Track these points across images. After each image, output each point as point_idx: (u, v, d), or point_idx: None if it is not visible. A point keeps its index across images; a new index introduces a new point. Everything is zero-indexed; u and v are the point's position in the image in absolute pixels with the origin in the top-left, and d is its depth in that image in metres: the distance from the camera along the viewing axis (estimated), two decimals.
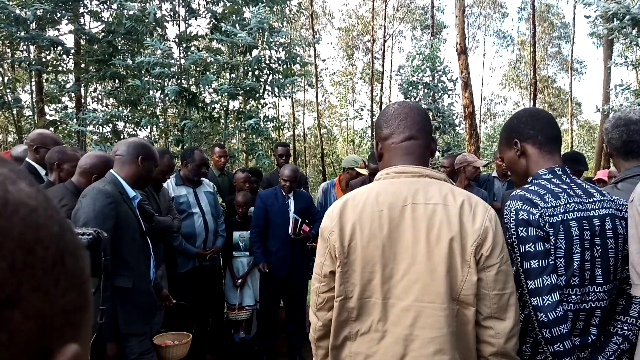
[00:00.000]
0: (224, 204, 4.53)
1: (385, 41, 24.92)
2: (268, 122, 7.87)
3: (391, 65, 25.95)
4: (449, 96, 12.35)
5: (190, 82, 7.64)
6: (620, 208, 1.61)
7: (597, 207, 1.57)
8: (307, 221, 4.22)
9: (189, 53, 7.27)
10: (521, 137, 1.68)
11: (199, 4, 8.07)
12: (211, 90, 7.86)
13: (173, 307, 2.88)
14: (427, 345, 1.29)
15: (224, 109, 7.93)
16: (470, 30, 28.29)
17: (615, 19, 5.85)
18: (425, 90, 12.21)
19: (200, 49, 8.15)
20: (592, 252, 1.53)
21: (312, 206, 4.42)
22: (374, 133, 1.63)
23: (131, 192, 2.49)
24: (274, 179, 5.20)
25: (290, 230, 4.10)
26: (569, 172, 1.65)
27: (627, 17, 5.54)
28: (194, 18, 7.85)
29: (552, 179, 1.60)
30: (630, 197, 1.31)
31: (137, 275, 2.42)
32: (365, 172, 4.74)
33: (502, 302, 1.31)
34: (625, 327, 1.58)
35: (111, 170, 2.50)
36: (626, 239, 1.56)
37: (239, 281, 4.29)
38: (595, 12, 6.79)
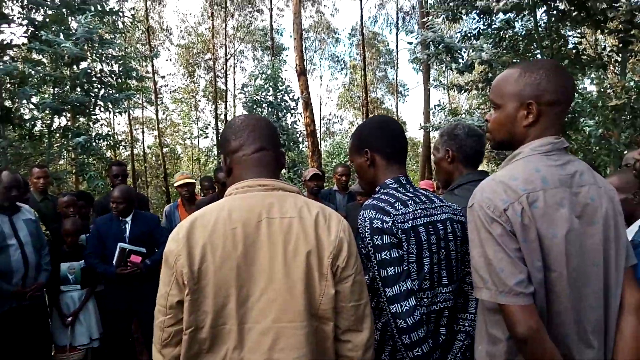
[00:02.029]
0: (47, 232, 3.99)
1: (227, 60, 24.93)
2: (101, 140, 7.24)
3: (234, 84, 25.96)
4: (292, 115, 12.78)
5: (5, 96, 6.68)
6: (456, 212, 1.73)
7: (439, 212, 1.66)
8: (143, 250, 3.81)
9: (3, 63, 6.37)
10: (370, 147, 1.72)
11: (13, 9, 7.14)
12: (31, 105, 6.97)
13: None
14: None
15: (47, 126, 7.09)
16: (308, 53, 29.76)
17: (432, 46, 6.69)
18: (270, 109, 12.46)
19: (17, 59, 7.20)
20: (438, 255, 1.61)
21: (157, 228, 4.03)
22: (220, 147, 1.51)
23: None
24: (108, 203, 4.76)
25: (114, 262, 3.72)
26: (411, 181, 1.74)
27: (442, 44, 6.39)
28: (7, 25, 6.91)
29: (399, 188, 1.67)
30: (469, 202, 1.39)
31: None
32: (184, 180, 4.94)
33: (358, 313, 1.30)
34: (467, 324, 1.69)
35: None
36: (464, 240, 1.68)
37: (69, 319, 3.80)
38: (416, 39, 7.71)
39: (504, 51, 6.92)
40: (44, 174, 4.65)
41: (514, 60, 6.91)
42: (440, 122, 7.97)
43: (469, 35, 7.08)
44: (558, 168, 1.36)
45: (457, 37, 7.27)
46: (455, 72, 7.35)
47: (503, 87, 1.45)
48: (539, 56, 6.81)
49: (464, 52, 7.24)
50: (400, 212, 1.56)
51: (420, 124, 9.68)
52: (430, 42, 6.63)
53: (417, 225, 1.57)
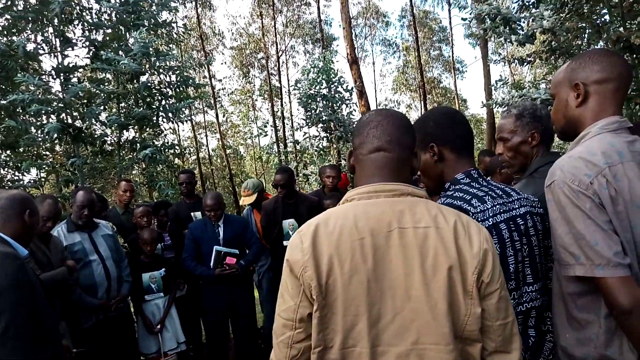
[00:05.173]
0: (125, 244, 4.17)
1: (279, 57, 25.12)
2: (168, 150, 7.50)
3: (288, 80, 26.13)
4: (347, 106, 12.64)
5: (75, 116, 7.07)
6: (533, 204, 1.58)
7: (517, 206, 1.52)
8: (236, 252, 4.00)
9: (70, 86, 6.74)
10: (438, 141, 1.58)
11: (75, 33, 7.53)
12: (99, 123, 7.35)
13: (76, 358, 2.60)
14: None
15: (117, 141, 7.44)
16: (358, 40, 29.36)
17: (488, 19, 6.36)
18: (324, 102, 12.40)
19: (82, 80, 7.60)
20: (522, 253, 1.48)
21: (247, 230, 4.21)
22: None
23: (23, 251, 2.15)
24: (180, 210, 4.91)
25: (212, 264, 3.88)
26: (482, 173, 1.60)
27: (498, 17, 6.06)
28: (71, 48, 7.30)
29: (471, 183, 1.54)
30: (547, 182, 1.38)
31: (57, 345, 2.13)
32: (249, 200, 4.71)
33: (506, 332, 1.17)
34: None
35: None
36: (545, 234, 1.55)
37: (158, 327, 3.96)
38: (470, 14, 7.37)
39: (568, 16, 6.45)
40: (130, 187, 4.77)
41: (580, 25, 6.41)
42: (504, 98, 7.59)
43: (527, 4, 6.67)
44: (628, 144, 1.37)
45: (514, 8, 6.86)
46: (516, 44, 6.94)
47: (555, 78, 1.56)
48: (607, 17, 6.29)
49: (523, 22, 6.84)
50: (478, 210, 1.44)
51: (483, 102, 9.22)
52: (486, 16, 6.30)
53: (498, 222, 1.44)
